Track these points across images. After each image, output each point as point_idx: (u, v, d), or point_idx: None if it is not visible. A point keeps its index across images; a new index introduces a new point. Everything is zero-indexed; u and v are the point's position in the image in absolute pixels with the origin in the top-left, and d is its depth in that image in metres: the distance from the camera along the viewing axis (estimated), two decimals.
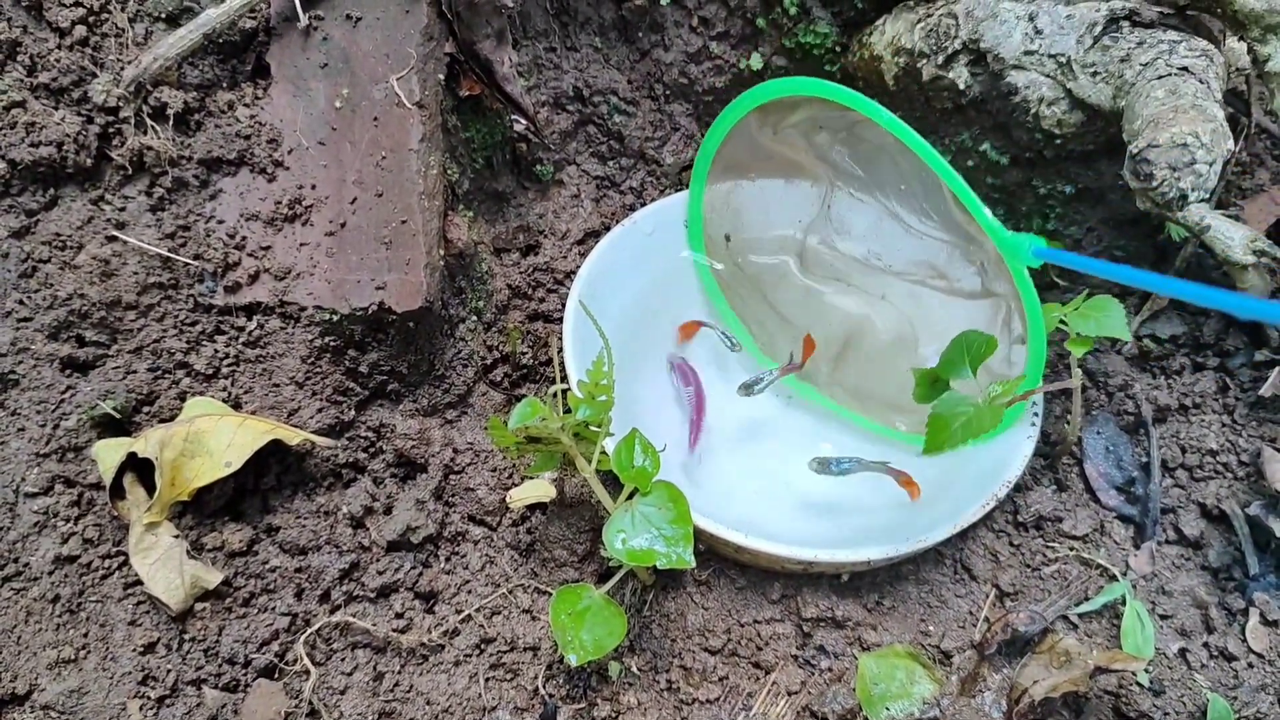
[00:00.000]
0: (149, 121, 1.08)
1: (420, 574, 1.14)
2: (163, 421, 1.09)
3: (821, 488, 1.23)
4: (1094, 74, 1.13)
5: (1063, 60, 1.14)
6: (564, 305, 1.26)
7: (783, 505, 1.24)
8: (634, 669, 1.08)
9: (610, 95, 1.39)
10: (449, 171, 1.20)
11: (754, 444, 1.33)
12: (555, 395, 1.06)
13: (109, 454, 1.04)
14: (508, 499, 1.17)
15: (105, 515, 1.07)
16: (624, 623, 0.99)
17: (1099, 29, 1.12)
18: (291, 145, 1.11)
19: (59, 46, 1.05)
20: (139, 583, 1.04)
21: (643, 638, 1.11)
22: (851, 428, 1.32)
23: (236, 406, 1.11)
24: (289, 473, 1.14)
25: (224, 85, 1.12)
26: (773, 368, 1.29)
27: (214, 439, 1.05)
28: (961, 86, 1.22)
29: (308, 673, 1.04)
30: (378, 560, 1.13)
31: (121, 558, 1.06)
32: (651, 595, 1.13)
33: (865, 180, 1.30)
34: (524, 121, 1.29)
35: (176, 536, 1.05)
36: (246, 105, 1.12)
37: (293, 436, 1.08)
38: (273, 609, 1.08)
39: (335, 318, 1.10)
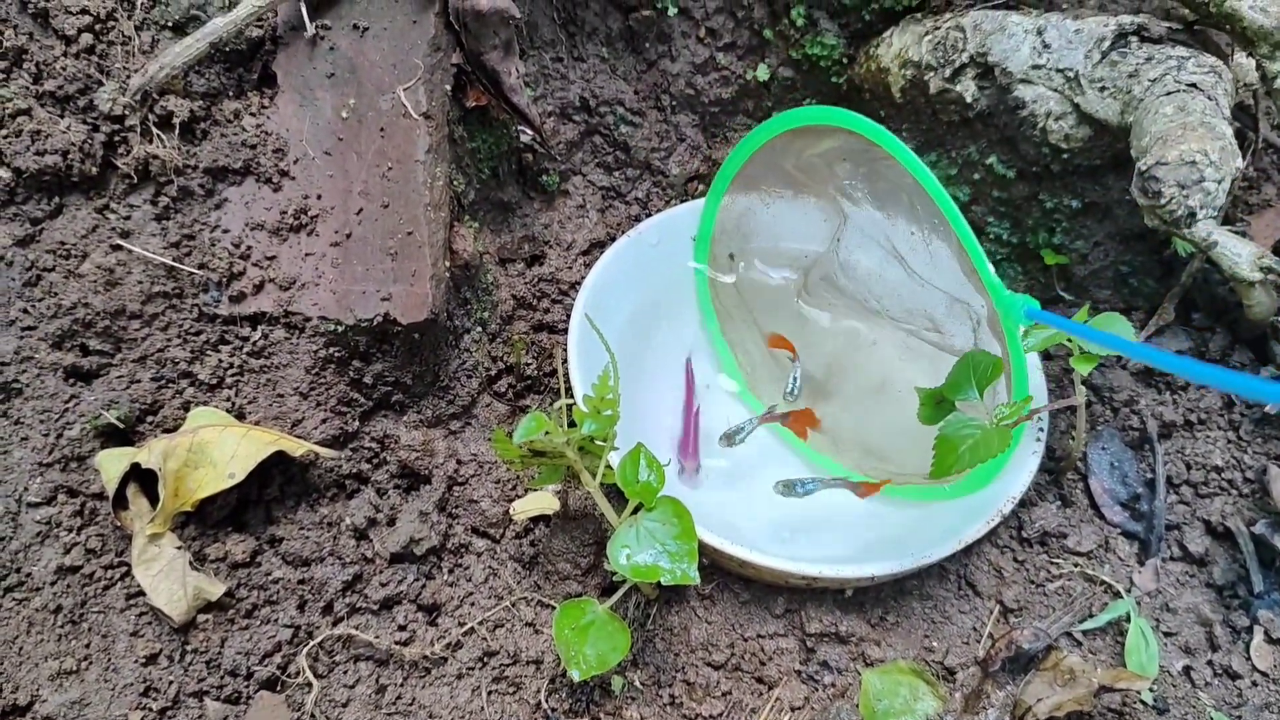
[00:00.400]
0: (155, 130, 1.07)
1: (423, 586, 1.13)
2: (166, 432, 1.09)
3: (823, 502, 1.23)
4: (1102, 89, 1.12)
5: (1071, 75, 1.14)
6: (569, 316, 1.25)
7: (788, 520, 1.24)
8: (637, 683, 1.08)
9: (616, 106, 1.39)
10: (455, 182, 1.20)
11: (760, 457, 1.33)
12: (560, 409, 1.05)
13: (112, 464, 1.04)
14: (511, 511, 1.17)
15: (108, 526, 1.06)
16: (628, 638, 0.99)
17: (1107, 44, 1.12)
18: (297, 155, 1.11)
19: (65, 54, 1.05)
20: (141, 594, 1.04)
21: (646, 652, 1.10)
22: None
23: (240, 417, 1.11)
24: (292, 483, 1.13)
25: (230, 94, 1.11)
26: (755, 414, 1.29)
27: (218, 450, 1.05)
28: (969, 100, 1.21)
29: (310, 685, 1.04)
30: (381, 572, 1.13)
31: (124, 568, 1.06)
32: (655, 609, 1.13)
33: (878, 219, 1.28)
34: (530, 132, 1.29)
35: (179, 548, 1.05)
36: (252, 114, 1.11)
37: (297, 448, 1.08)
38: (275, 621, 1.07)
39: (340, 328, 1.09)
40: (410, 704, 1.06)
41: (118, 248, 1.06)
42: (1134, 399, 1.25)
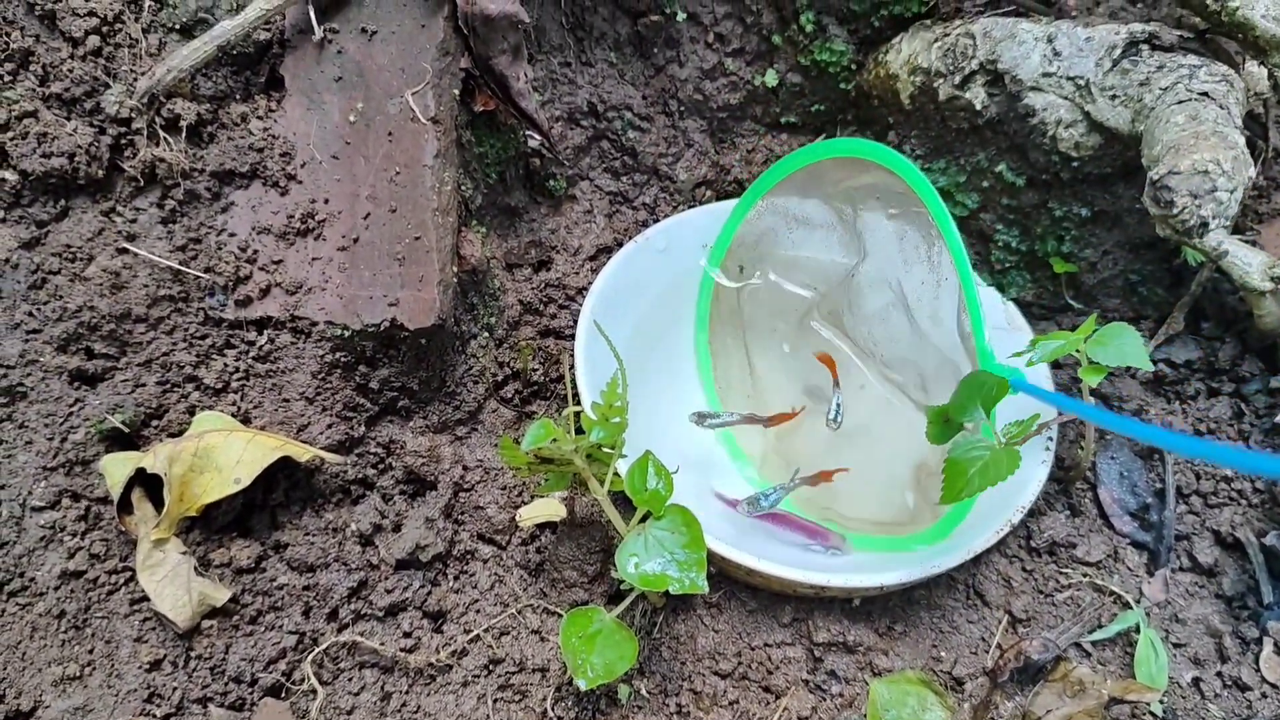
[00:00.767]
0: (161, 133, 1.07)
1: (429, 593, 1.13)
2: (171, 436, 1.08)
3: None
4: (1113, 97, 1.12)
5: (1081, 83, 1.13)
6: (576, 321, 1.25)
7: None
8: (643, 692, 1.07)
9: (624, 111, 1.38)
10: (463, 187, 1.19)
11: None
12: (568, 416, 1.05)
13: (117, 468, 1.03)
14: (517, 518, 1.16)
15: (112, 530, 1.06)
16: (635, 647, 0.98)
17: (1118, 52, 1.12)
18: (304, 159, 1.10)
19: (72, 56, 1.05)
20: (145, 599, 1.03)
21: (652, 660, 1.10)
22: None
23: (246, 421, 1.10)
24: (298, 489, 1.13)
25: (237, 97, 1.11)
26: (734, 414, 1.28)
27: (223, 455, 1.04)
28: (978, 107, 1.21)
29: (315, 692, 1.03)
30: (386, 579, 1.12)
31: (128, 573, 1.05)
32: (662, 617, 1.12)
33: (895, 262, 1.26)
34: (538, 137, 1.29)
35: (184, 553, 1.04)
36: (260, 118, 1.11)
37: (302, 453, 1.07)
38: (280, 627, 1.07)
39: (347, 333, 1.09)
40: (415, 711, 1.05)
41: (124, 251, 1.06)
42: (1143, 408, 1.24)
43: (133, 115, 1.05)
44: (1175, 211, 1.02)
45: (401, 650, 1.08)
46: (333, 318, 1.09)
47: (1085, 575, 1.17)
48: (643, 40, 1.35)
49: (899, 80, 1.29)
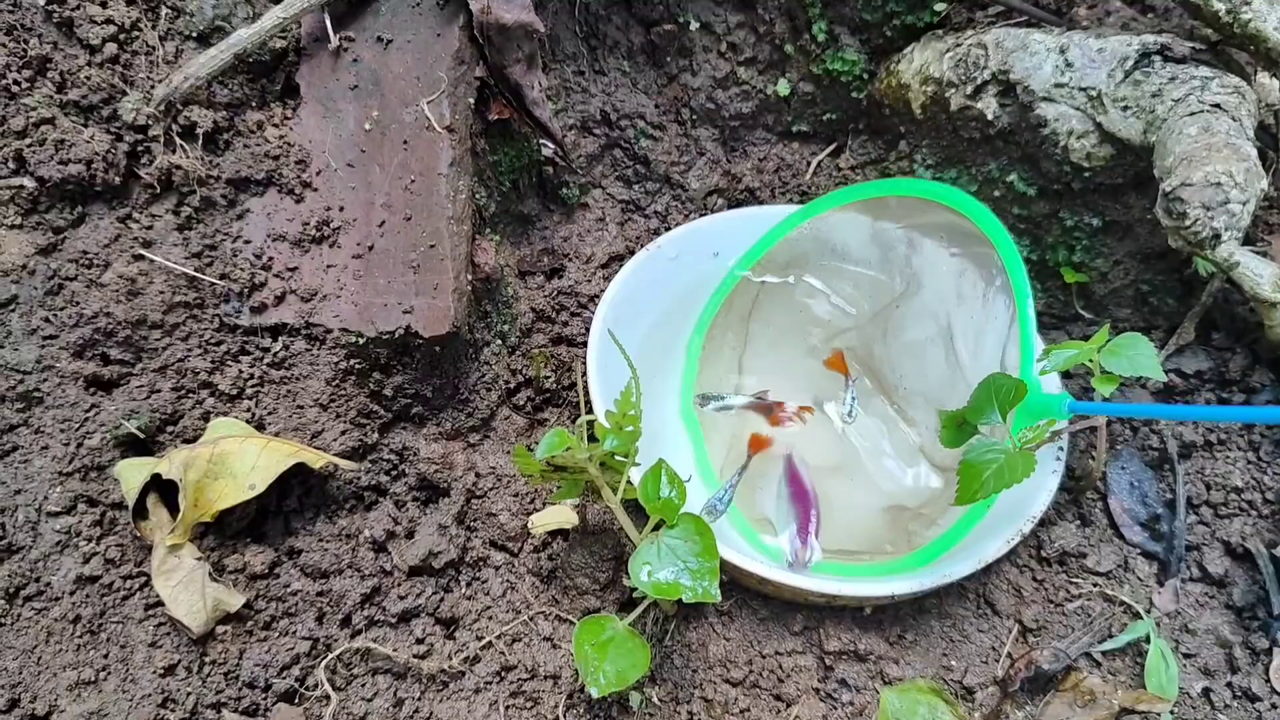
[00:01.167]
0: (178, 140, 1.08)
1: (441, 599, 1.13)
2: (186, 442, 1.08)
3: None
4: (1125, 108, 1.12)
5: (1093, 94, 1.14)
6: (588, 329, 1.25)
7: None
8: (655, 699, 1.07)
9: (637, 119, 1.39)
10: (477, 195, 1.20)
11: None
12: (581, 425, 1.05)
13: (132, 474, 1.04)
14: (530, 525, 1.17)
15: (127, 536, 1.06)
16: (648, 655, 0.98)
17: (1131, 63, 1.12)
18: (320, 166, 1.11)
19: (89, 64, 1.05)
20: (160, 604, 1.03)
21: (664, 668, 1.10)
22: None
23: (260, 428, 1.11)
24: (311, 495, 1.13)
25: (253, 105, 1.12)
26: (741, 397, 1.28)
27: (238, 461, 1.04)
28: (990, 117, 1.21)
29: (328, 698, 1.03)
30: (399, 585, 1.12)
31: (143, 579, 1.05)
32: (673, 625, 1.12)
33: (947, 297, 1.25)
34: (551, 145, 1.29)
35: (199, 559, 1.04)
36: (275, 125, 1.11)
37: (317, 460, 1.08)
38: (294, 633, 1.07)
39: (361, 340, 1.09)
40: (428, 718, 1.06)
41: (140, 257, 1.06)
42: (1154, 419, 1.24)
43: (149, 122, 1.06)
44: (1188, 223, 1.02)
45: (414, 656, 1.08)
46: (347, 325, 1.09)
47: (1096, 585, 1.17)
48: (656, 49, 1.36)
49: (911, 90, 1.29)
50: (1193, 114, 1.07)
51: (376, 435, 1.16)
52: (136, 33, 1.08)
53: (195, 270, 1.08)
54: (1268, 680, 1.09)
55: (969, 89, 1.22)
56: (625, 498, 1.04)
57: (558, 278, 1.37)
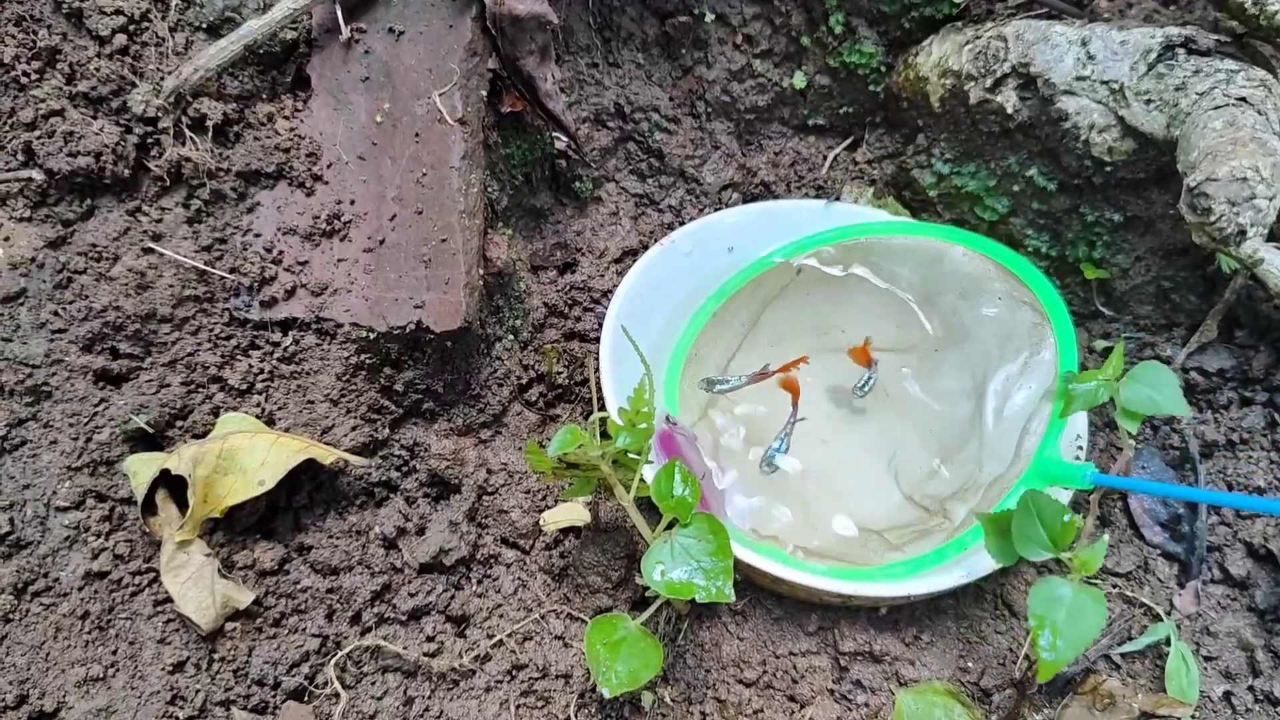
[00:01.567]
0: (188, 133, 1.07)
1: (452, 597, 1.12)
2: (196, 437, 1.08)
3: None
4: (1148, 102, 1.10)
5: (1115, 87, 1.12)
6: (601, 324, 1.24)
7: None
8: (668, 700, 1.06)
9: (651, 112, 1.37)
10: (489, 189, 1.18)
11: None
12: (594, 422, 1.04)
13: (142, 469, 1.03)
14: (541, 522, 1.16)
15: (136, 531, 1.06)
16: (660, 655, 0.97)
17: (1154, 56, 1.10)
18: (331, 159, 1.10)
19: (99, 55, 1.04)
20: (169, 600, 1.03)
21: (677, 667, 1.09)
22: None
23: (270, 422, 1.10)
24: (321, 490, 1.12)
25: (264, 97, 1.11)
26: (742, 376, 1.25)
27: (248, 457, 1.04)
28: (1010, 110, 1.20)
29: (338, 696, 1.03)
30: (409, 582, 1.11)
31: (152, 574, 1.05)
32: (686, 624, 1.11)
33: (991, 356, 1.24)
34: (565, 138, 1.28)
35: (208, 555, 1.04)
36: (286, 118, 1.10)
37: (327, 456, 1.07)
38: (303, 630, 1.06)
39: (372, 335, 1.08)
40: (438, 716, 1.05)
41: (149, 251, 1.06)
42: (1175, 418, 1.22)
43: (159, 114, 1.05)
44: (1212, 219, 1.00)
45: (424, 654, 1.07)
46: (358, 319, 1.08)
47: (1115, 586, 1.15)
48: (670, 41, 1.34)
49: (929, 83, 1.28)
50: (1218, 108, 1.05)
51: (387, 431, 1.15)
52: (146, 24, 1.06)
53: (205, 264, 1.07)
54: None
55: (989, 82, 1.20)
56: (638, 495, 1.03)
57: (570, 272, 1.36)
